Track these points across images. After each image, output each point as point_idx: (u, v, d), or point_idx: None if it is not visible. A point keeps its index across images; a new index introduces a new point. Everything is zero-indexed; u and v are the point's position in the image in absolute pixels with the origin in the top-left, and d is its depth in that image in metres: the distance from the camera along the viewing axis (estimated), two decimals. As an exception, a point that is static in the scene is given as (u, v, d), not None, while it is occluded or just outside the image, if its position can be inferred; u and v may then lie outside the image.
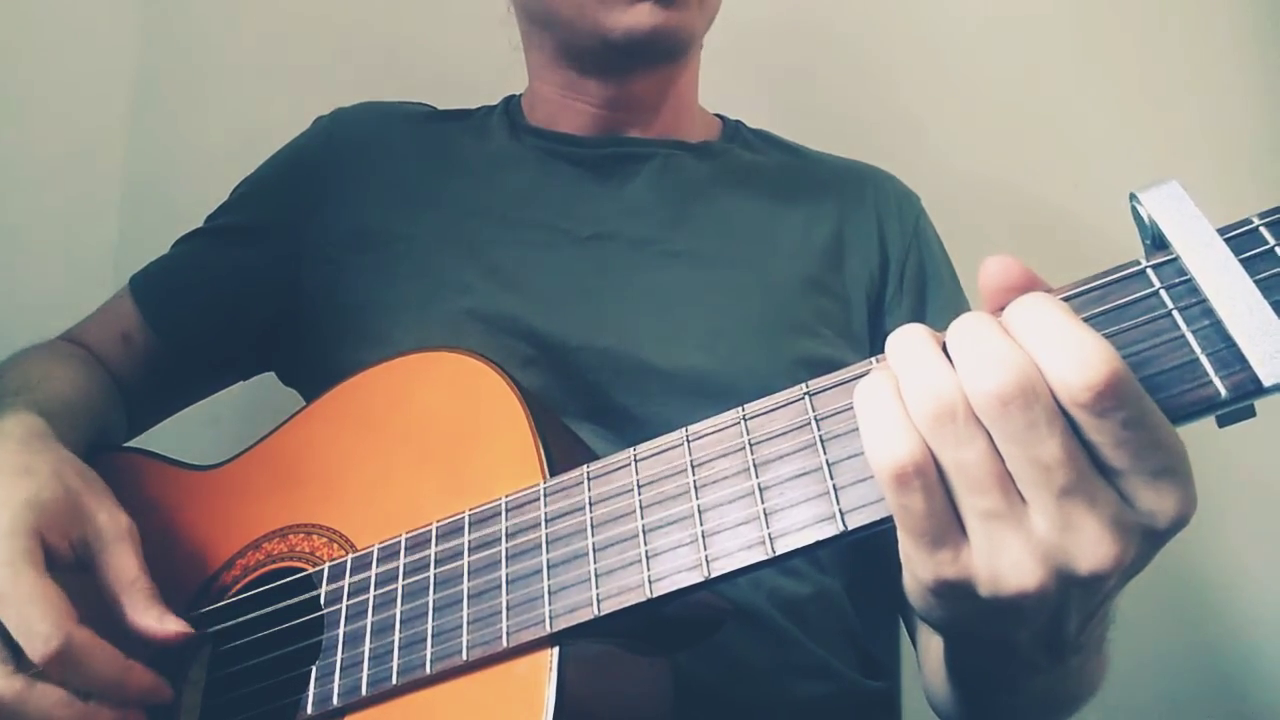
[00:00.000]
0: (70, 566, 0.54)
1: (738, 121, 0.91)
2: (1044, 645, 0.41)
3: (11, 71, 1.09)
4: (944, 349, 0.38)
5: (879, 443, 0.37)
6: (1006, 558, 0.36)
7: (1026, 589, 0.36)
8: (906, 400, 0.37)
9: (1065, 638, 0.40)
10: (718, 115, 0.91)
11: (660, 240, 0.77)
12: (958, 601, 0.38)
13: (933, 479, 0.36)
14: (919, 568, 0.38)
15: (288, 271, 0.81)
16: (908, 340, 0.38)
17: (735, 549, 0.43)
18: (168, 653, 0.55)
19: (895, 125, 1.12)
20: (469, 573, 0.49)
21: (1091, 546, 0.35)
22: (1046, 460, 0.34)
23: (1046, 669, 0.43)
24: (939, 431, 0.36)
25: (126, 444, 0.77)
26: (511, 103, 0.89)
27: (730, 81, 0.94)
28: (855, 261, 0.79)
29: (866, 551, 0.74)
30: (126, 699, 0.52)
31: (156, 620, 0.54)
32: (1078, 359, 0.34)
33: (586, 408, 0.68)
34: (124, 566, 0.55)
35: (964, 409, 0.35)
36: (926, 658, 0.65)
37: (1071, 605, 0.38)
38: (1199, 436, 0.38)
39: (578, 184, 0.80)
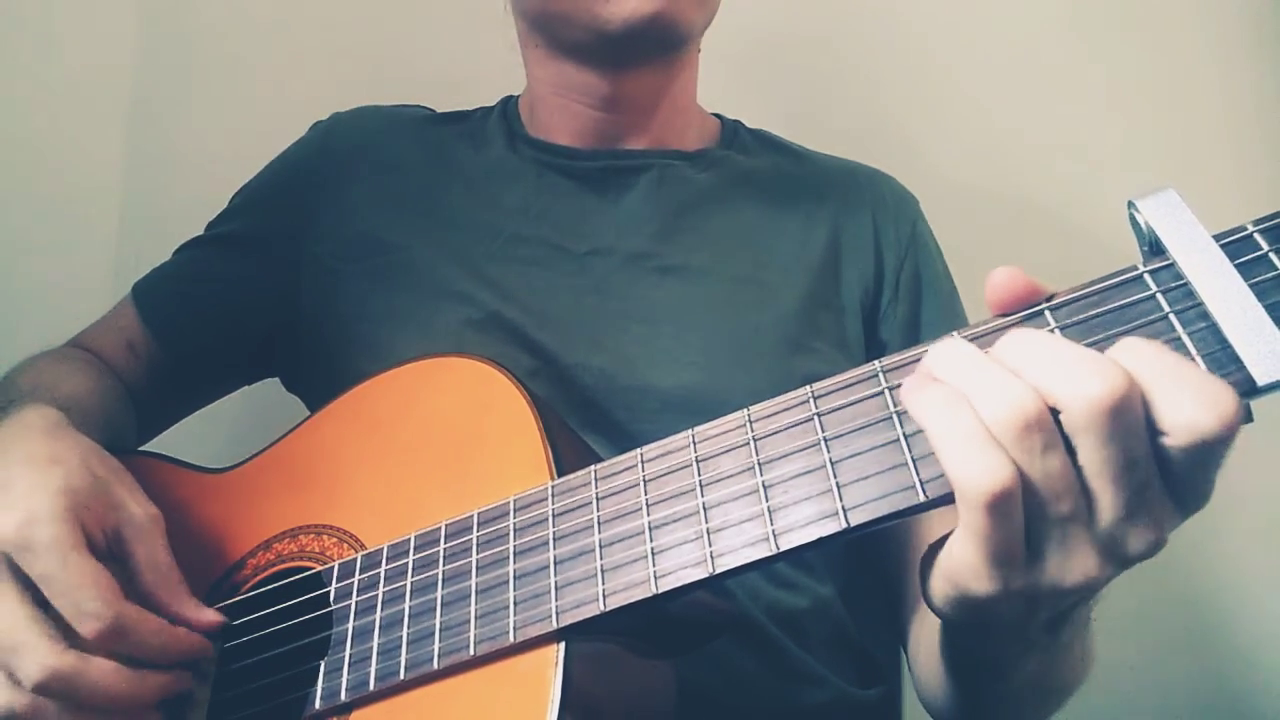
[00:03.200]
0: (102, 555, 0.55)
1: (736, 122, 0.90)
2: (1049, 622, 0.42)
3: (10, 75, 1.10)
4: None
5: (971, 466, 0.37)
6: (1076, 558, 0.38)
7: (1090, 578, 0.38)
8: (985, 415, 0.37)
9: (1069, 616, 0.42)
10: (716, 115, 0.91)
11: (656, 255, 0.77)
12: (1005, 606, 0.40)
13: (1020, 496, 0.37)
14: (979, 583, 0.39)
15: (287, 280, 0.81)
16: (961, 355, 0.39)
17: (739, 545, 0.43)
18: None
19: (889, 131, 1.12)
20: (477, 569, 0.50)
21: (1145, 531, 0.37)
22: (1140, 456, 0.36)
23: (1042, 645, 0.44)
24: (1027, 442, 0.36)
25: (138, 447, 0.78)
26: (509, 106, 0.89)
27: (723, 92, 0.94)
28: (851, 269, 0.79)
29: (863, 554, 0.74)
30: (176, 659, 0.55)
31: (194, 610, 0.56)
32: (1208, 401, 0.36)
33: (583, 422, 0.68)
34: (158, 557, 0.57)
35: (1048, 416, 0.36)
36: (919, 651, 0.65)
37: (1100, 587, 0.40)
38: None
39: (574, 198, 0.80)
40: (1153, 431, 0.36)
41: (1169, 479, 0.37)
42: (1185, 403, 0.36)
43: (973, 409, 0.37)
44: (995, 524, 0.37)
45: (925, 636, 0.61)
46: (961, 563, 0.39)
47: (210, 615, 0.57)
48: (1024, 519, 0.37)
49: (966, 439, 0.37)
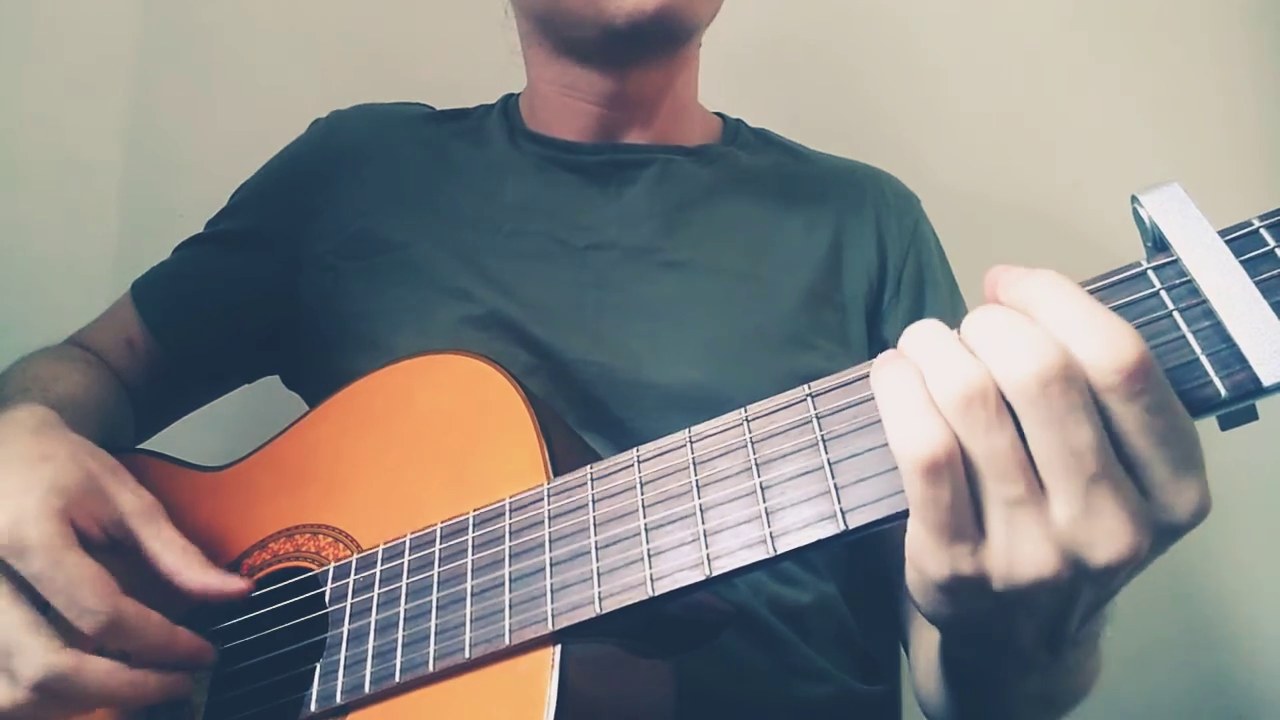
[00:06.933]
0: (102, 548, 0.55)
1: (738, 121, 0.90)
2: (1045, 640, 0.41)
3: (10, 74, 1.10)
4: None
5: (907, 432, 0.36)
6: (1025, 547, 0.36)
7: (1042, 578, 0.36)
8: (932, 387, 0.37)
9: (1066, 633, 0.40)
10: (718, 114, 0.91)
11: (657, 250, 0.76)
12: (967, 596, 0.38)
13: (960, 468, 0.36)
14: (932, 563, 0.38)
15: (287, 277, 0.81)
16: (927, 332, 0.38)
17: (737, 547, 0.43)
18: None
19: (889, 132, 1.12)
20: (472, 571, 0.49)
21: (1110, 536, 0.35)
22: (1080, 445, 0.35)
23: (1044, 666, 0.43)
24: (969, 417, 0.35)
25: (136, 445, 0.78)
26: (510, 103, 0.89)
27: (724, 93, 0.93)
28: (854, 267, 0.79)
29: (864, 554, 0.74)
30: (174, 661, 0.54)
31: (219, 579, 0.56)
32: (1108, 340, 0.35)
33: (583, 418, 0.68)
34: (170, 536, 0.57)
35: (994, 394, 0.35)
36: (918, 659, 0.65)
37: (1080, 598, 0.38)
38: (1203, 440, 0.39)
39: (575, 192, 0.79)
40: (1104, 415, 0.35)
41: (1136, 473, 0.36)
42: (1099, 355, 0.34)
43: (922, 381, 0.37)
44: (931, 494, 0.36)
45: (924, 644, 0.60)
46: (914, 539, 0.38)
47: (236, 583, 0.56)
48: (969, 495, 0.36)
49: (908, 407, 0.37)
